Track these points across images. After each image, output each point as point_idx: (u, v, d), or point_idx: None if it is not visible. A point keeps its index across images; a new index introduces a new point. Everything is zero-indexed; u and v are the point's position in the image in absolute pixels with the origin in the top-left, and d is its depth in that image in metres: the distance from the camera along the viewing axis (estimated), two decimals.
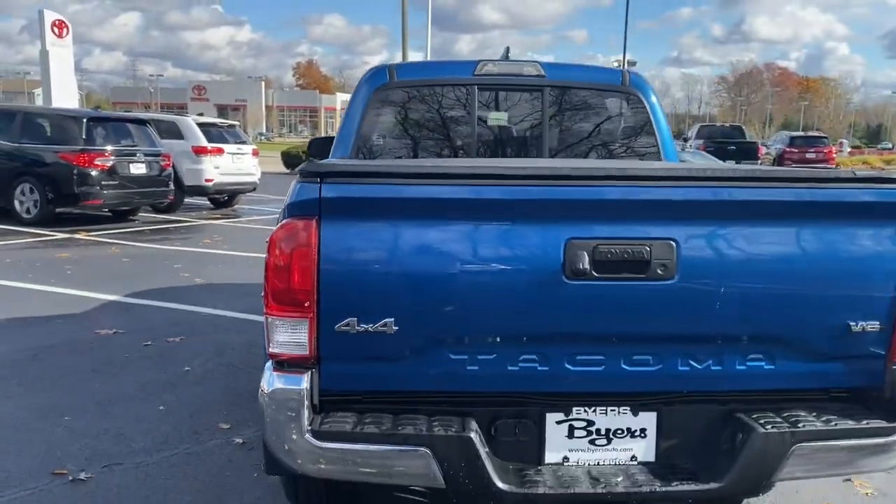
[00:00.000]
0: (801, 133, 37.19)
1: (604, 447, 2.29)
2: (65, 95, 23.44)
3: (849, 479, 3.50)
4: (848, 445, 2.21)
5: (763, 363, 2.23)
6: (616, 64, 36.63)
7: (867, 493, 3.42)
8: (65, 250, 9.42)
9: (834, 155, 28.59)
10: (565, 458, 2.28)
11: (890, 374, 2.27)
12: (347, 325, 2.10)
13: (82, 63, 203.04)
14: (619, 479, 2.20)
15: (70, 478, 3.32)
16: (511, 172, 2.13)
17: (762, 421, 2.20)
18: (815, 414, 2.27)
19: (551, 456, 2.28)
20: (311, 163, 2.21)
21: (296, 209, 2.09)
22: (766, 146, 32.42)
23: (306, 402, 2.13)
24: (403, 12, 32.08)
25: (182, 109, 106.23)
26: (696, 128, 30.26)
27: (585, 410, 2.28)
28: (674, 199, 2.13)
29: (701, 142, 25.71)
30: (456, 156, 3.98)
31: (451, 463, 2.10)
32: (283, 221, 2.11)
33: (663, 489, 2.16)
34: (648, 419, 2.29)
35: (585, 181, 2.16)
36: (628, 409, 2.29)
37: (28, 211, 11.38)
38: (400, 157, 3.95)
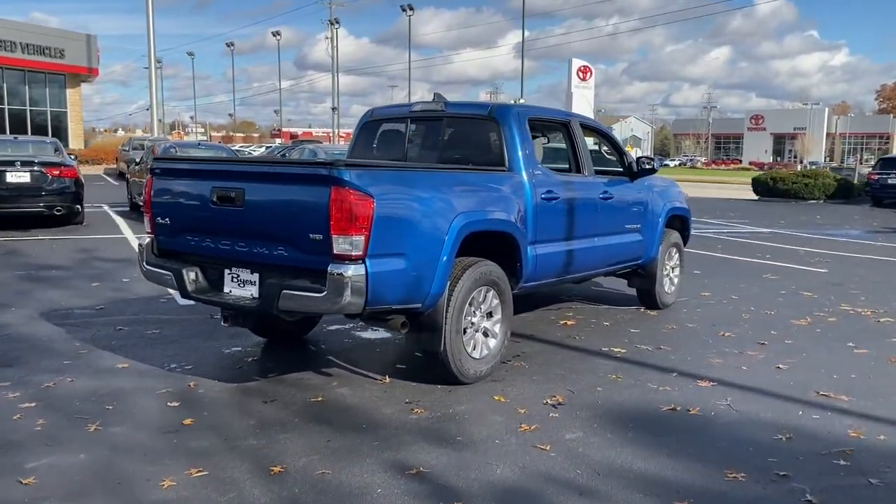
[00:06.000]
0: None
1: (243, 287, 4.62)
2: None
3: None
4: (302, 294, 4.19)
5: (283, 252, 4.35)
6: None
7: (619, 352, 5.52)
8: None
9: None
10: (230, 290, 4.68)
11: (331, 261, 4.13)
12: (158, 219, 4.95)
13: (671, 98, 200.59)
14: (237, 299, 4.59)
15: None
16: (200, 157, 5.60)
17: (273, 278, 4.33)
18: (305, 279, 4.22)
19: (226, 289, 4.70)
20: (155, 157, 5.44)
21: (147, 173, 5.10)
22: None
23: (147, 252, 5.07)
24: None
25: (738, 140, 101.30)
26: None
27: (236, 269, 4.64)
28: (244, 170, 4.73)
29: None
30: (397, 158, 6.05)
31: (178, 280, 4.77)
32: (146, 178, 5.07)
33: (251, 305, 4.51)
34: (256, 276, 4.54)
35: (222, 163, 5.50)
36: (249, 270, 4.58)
37: None
38: (369, 158, 6.20)
